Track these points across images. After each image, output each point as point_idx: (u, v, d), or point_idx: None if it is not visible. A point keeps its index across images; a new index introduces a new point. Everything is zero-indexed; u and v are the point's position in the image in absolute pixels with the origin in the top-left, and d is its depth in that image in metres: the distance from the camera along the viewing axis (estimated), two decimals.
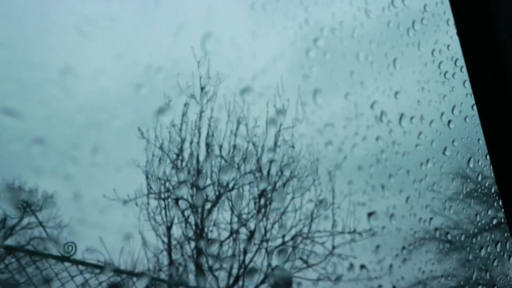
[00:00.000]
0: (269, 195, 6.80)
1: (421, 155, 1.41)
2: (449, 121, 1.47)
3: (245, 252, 6.69)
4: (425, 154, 1.40)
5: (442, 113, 1.46)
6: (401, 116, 1.44)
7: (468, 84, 1.37)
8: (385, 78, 1.50)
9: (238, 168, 6.97)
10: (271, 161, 6.93)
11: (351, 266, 6.06)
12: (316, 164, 6.90)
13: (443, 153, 1.45)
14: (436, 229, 1.41)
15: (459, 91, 1.44)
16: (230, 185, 6.98)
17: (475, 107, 1.36)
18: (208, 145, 7.17)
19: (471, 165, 1.43)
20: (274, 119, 6.17)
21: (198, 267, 6.56)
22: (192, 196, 7.02)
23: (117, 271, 5.09)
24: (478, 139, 1.47)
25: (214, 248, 6.60)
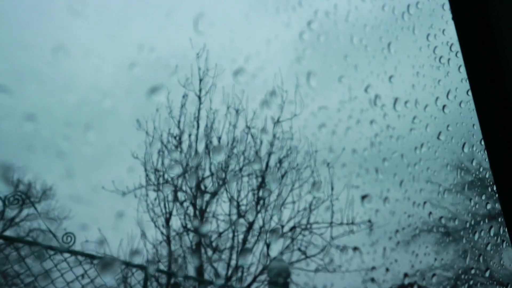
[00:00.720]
0: (267, 186, 6.82)
1: (416, 140, 1.41)
2: (444, 106, 1.46)
3: (244, 243, 6.71)
4: (420, 138, 1.40)
5: (437, 98, 1.45)
6: (396, 100, 1.43)
7: (463, 69, 1.36)
8: (380, 62, 1.50)
9: (237, 158, 6.98)
10: (270, 153, 6.94)
11: (344, 248, 6.08)
12: (315, 156, 6.91)
13: (438, 138, 1.45)
14: (430, 213, 1.41)
15: (454, 76, 1.43)
16: (229, 177, 6.99)
17: (470, 93, 1.36)
18: (207, 137, 7.17)
19: (465, 150, 1.43)
20: (267, 101, 6.16)
21: (197, 258, 6.59)
22: (191, 188, 7.03)
23: (118, 262, 5.10)
24: (473, 125, 1.47)
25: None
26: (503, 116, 1.32)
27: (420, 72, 1.48)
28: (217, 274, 6.48)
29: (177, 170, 6.91)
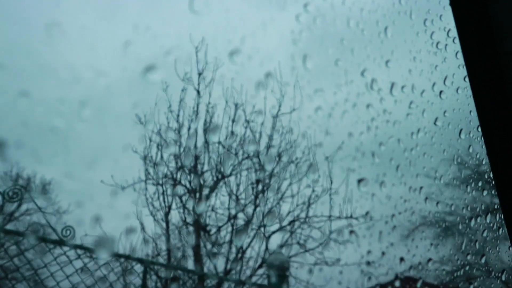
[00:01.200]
0: (266, 181, 6.82)
1: (412, 125, 1.40)
2: (441, 92, 1.46)
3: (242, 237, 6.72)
4: (416, 123, 1.40)
5: (434, 84, 1.45)
6: (392, 85, 1.43)
7: (460, 55, 1.35)
8: (376, 46, 1.49)
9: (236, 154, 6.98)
10: (268, 147, 6.94)
11: (341, 232, 6.08)
12: (314, 150, 6.91)
13: (434, 123, 1.45)
14: (426, 198, 1.40)
15: (451, 62, 1.43)
16: (228, 171, 6.99)
17: (467, 79, 1.35)
18: (205, 131, 7.17)
19: (462, 136, 1.42)
20: (263, 82, 6.13)
21: (196, 252, 6.59)
22: (190, 182, 7.04)
23: (116, 255, 5.10)
24: (470, 111, 1.46)
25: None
26: (500, 101, 1.32)
27: (417, 57, 1.47)
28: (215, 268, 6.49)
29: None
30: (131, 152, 6.94)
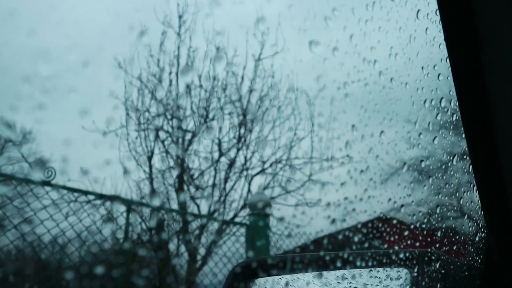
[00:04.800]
0: (248, 124, 6.85)
1: None
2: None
3: (225, 181, 6.85)
4: None
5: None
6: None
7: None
8: None
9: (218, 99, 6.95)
10: (250, 91, 6.92)
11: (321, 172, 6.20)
12: (296, 94, 6.92)
13: None
14: (422, 161, 1.42)
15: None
16: (210, 116, 6.99)
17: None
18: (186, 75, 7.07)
19: (441, 79, 1.42)
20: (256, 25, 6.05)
21: (180, 196, 6.71)
22: (172, 127, 7.03)
23: (99, 196, 5.16)
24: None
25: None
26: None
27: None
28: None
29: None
30: (112, 97, 6.85)
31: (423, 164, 1.21)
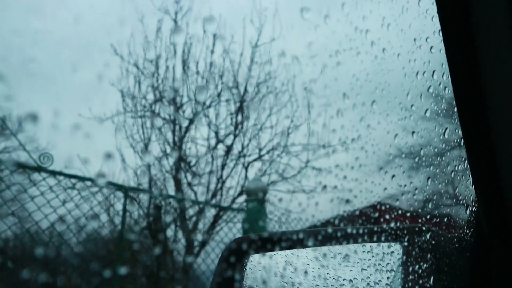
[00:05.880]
0: (245, 112, 6.85)
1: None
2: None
3: (222, 168, 6.86)
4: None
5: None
6: None
7: None
8: None
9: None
10: (247, 78, 6.91)
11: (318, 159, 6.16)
12: (293, 80, 6.92)
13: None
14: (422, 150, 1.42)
15: None
16: (207, 102, 6.98)
17: None
18: (184, 62, 7.05)
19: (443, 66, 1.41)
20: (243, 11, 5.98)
21: (177, 183, 6.73)
22: (169, 114, 7.02)
23: (93, 181, 5.16)
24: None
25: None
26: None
27: None
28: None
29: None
30: (108, 84, 6.82)
31: (414, 136, 1.22)
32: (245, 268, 1.40)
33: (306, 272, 1.32)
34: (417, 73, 0.99)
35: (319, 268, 1.32)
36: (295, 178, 6.84)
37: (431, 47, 0.94)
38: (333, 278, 1.26)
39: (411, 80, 1.02)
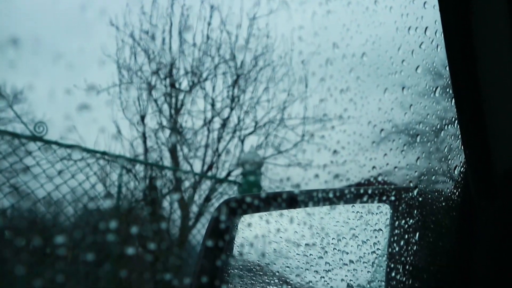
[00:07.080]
0: (242, 85, 6.82)
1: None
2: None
3: (219, 140, 6.87)
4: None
5: None
6: None
7: None
8: None
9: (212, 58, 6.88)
10: (245, 50, 6.84)
11: (313, 135, 6.26)
12: (290, 54, 6.87)
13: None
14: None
15: None
16: (204, 75, 6.93)
17: None
18: (180, 34, 6.96)
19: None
20: None
21: (173, 155, 6.74)
22: (165, 86, 6.98)
23: (89, 151, 5.16)
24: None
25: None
26: None
27: None
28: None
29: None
30: (103, 55, 6.75)
31: (405, 92, 1.22)
32: (236, 228, 1.42)
33: (296, 232, 1.34)
34: (409, 28, 0.99)
35: (308, 228, 1.34)
36: (290, 152, 6.86)
37: (425, 2, 0.93)
38: (322, 237, 1.28)
39: (403, 35, 1.01)
